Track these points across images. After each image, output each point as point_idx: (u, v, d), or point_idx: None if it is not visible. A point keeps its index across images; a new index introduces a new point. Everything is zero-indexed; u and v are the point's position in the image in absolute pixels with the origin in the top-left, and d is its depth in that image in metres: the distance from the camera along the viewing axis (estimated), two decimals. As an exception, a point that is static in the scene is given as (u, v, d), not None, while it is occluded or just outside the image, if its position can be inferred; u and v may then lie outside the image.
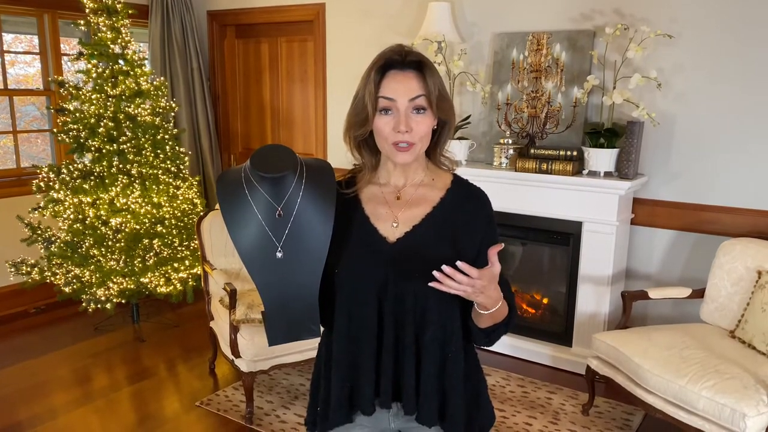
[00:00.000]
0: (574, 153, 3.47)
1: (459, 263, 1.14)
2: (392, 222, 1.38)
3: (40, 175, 3.72)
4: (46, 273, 3.74)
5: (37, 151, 5.24)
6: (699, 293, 3.09)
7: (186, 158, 4.05)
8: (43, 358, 3.74)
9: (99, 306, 3.68)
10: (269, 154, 1.28)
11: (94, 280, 3.66)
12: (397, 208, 1.39)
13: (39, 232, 3.77)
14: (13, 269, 3.72)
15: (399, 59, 1.29)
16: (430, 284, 1.17)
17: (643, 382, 2.67)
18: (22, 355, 3.76)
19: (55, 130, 3.76)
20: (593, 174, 3.43)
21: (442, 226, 1.35)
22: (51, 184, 3.70)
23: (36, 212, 3.70)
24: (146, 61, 3.95)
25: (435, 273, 1.15)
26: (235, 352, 2.98)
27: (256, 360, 2.96)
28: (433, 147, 1.40)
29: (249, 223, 1.24)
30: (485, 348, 1.40)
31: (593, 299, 3.48)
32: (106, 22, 3.65)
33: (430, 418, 1.36)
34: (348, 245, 1.37)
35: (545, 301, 3.85)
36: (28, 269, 3.72)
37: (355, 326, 1.36)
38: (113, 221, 3.61)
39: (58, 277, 3.75)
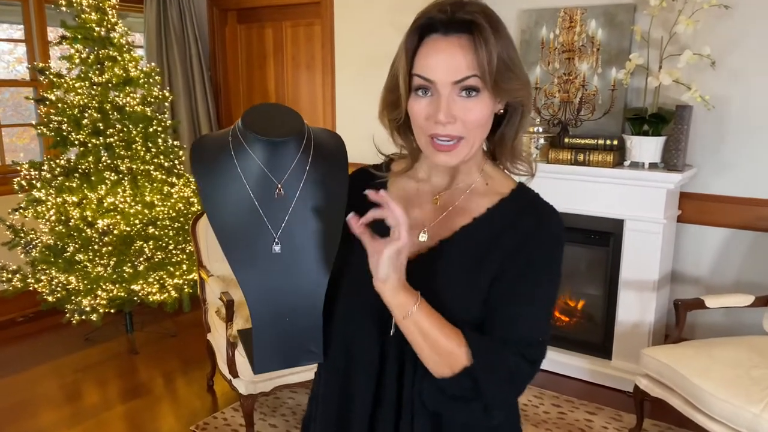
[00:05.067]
0: (614, 142, 3.07)
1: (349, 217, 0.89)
2: (420, 231, 1.01)
3: (22, 173, 3.38)
4: (29, 280, 3.40)
5: (27, 147, 4.92)
6: (763, 301, 2.69)
7: (181, 152, 3.69)
8: (29, 372, 3.42)
9: (84, 317, 3.33)
10: (269, 112, 0.95)
11: (81, 288, 3.32)
12: (430, 215, 1.03)
13: (21, 234, 3.44)
14: (-8, 276, 3.39)
15: (444, 18, 0.91)
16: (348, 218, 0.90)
17: (706, 407, 2.28)
18: (6, 369, 3.43)
19: (33, 122, 3.41)
20: (636, 165, 3.04)
21: (478, 246, 0.98)
22: (33, 182, 3.36)
23: (17, 213, 3.36)
24: (139, 49, 3.61)
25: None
26: (233, 371, 2.63)
27: (257, 381, 2.60)
28: (499, 142, 1.02)
29: (235, 198, 0.93)
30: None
31: (636, 306, 3.09)
32: (90, 2, 3.29)
33: None
34: (356, 250, 1.00)
35: (580, 307, 3.46)
36: (9, 276, 3.38)
37: (351, 364, 1.03)
38: (100, 223, 3.26)
39: (42, 284, 3.41)
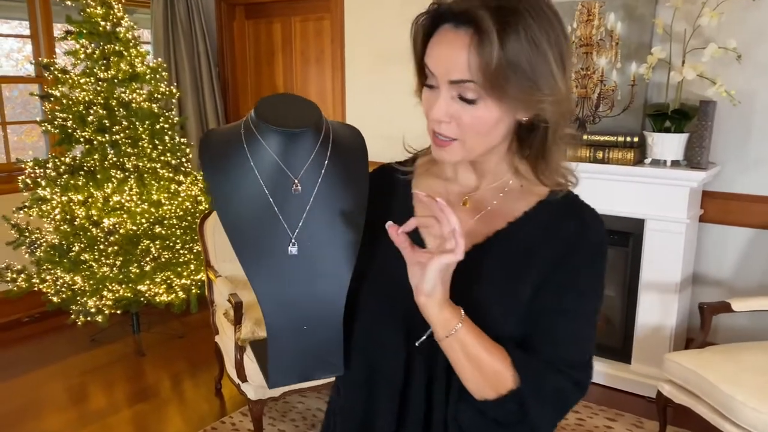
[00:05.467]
0: (635, 139, 2.97)
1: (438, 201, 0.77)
2: None
3: (26, 171, 3.31)
4: (34, 280, 3.33)
5: (35, 145, 4.86)
6: (792, 304, 2.59)
7: (188, 150, 3.61)
8: (34, 373, 3.35)
9: (89, 318, 3.26)
10: (284, 102, 0.87)
11: (87, 288, 3.25)
12: (461, 217, 0.93)
13: (26, 234, 3.37)
14: (-3, 276, 3.32)
15: (454, 8, 0.79)
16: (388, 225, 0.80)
17: (736, 417, 2.18)
18: (12, 371, 3.37)
19: (38, 119, 3.34)
20: (657, 163, 2.94)
21: (514, 253, 0.89)
22: (38, 180, 3.29)
23: (21, 212, 3.29)
24: (146, 45, 3.53)
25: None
26: (242, 376, 2.55)
27: (266, 386, 2.52)
28: (534, 156, 0.90)
29: (248, 194, 0.87)
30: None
31: (657, 309, 2.99)
32: (96, -5, 3.22)
33: None
34: (378, 255, 0.93)
35: (597, 309, 3.35)
36: (14, 276, 3.32)
37: (374, 377, 0.94)
38: (106, 222, 3.19)
39: (47, 284, 3.34)
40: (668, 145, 2.89)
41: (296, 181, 0.85)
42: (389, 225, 0.80)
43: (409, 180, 1.00)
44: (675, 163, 2.92)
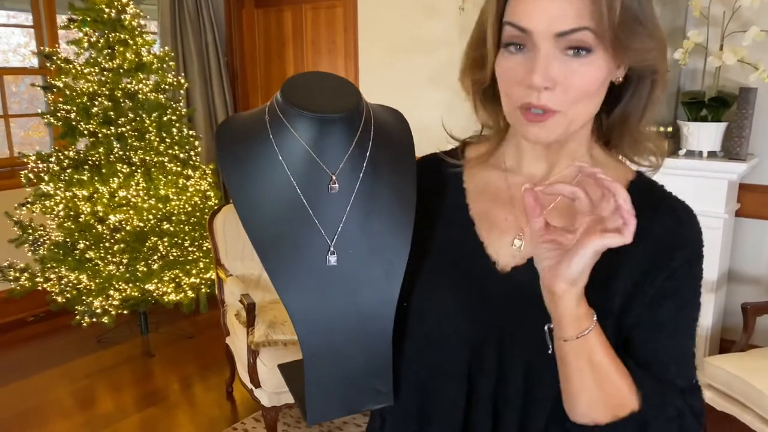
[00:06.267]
0: (668, 129, 2.80)
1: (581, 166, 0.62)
2: (514, 236, 0.79)
3: (29, 165, 3.18)
4: (37, 279, 3.21)
5: (42, 140, 4.74)
6: (841, 305, 2.42)
7: (197, 143, 3.47)
8: (39, 376, 3.23)
9: (95, 319, 3.13)
10: (315, 82, 0.74)
11: (93, 287, 3.12)
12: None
13: (30, 231, 3.24)
14: (-1, 275, 3.20)
15: None
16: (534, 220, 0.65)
17: (788, 427, 2.02)
18: (16, 373, 3.25)
19: (40, 110, 3.20)
20: (692, 154, 2.77)
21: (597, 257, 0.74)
22: (42, 175, 3.16)
23: (24, 208, 3.16)
24: (153, 36, 3.39)
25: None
26: (255, 381, 2.41)
27: (280, 392, 2.38)
28: (619, 122, 0.78)
29: (276, 194, 0.74)
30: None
31: (692, 309, 2.82)
32: (100, -19, 3.07)
33: None
34: (427, 265, 0.80)
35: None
36: (17, 274, 3.19)
37: (428, 407, 0.80)
38: (112, 218, 3.06)
39: (52, 283, 3.21)
40: (705, 134, 2.72)
41: (333, 177, 0.71)
42: (526, 187, 0.64)
43: (459, 173, 0.85)
44: (711, 154, 2.75)
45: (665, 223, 0.75)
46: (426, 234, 0.81)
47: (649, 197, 0.77)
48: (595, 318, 0.67)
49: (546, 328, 0.69)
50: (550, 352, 0.69)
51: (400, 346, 0.80)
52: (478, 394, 0.76)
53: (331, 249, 0.72)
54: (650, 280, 0.73)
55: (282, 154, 0.72)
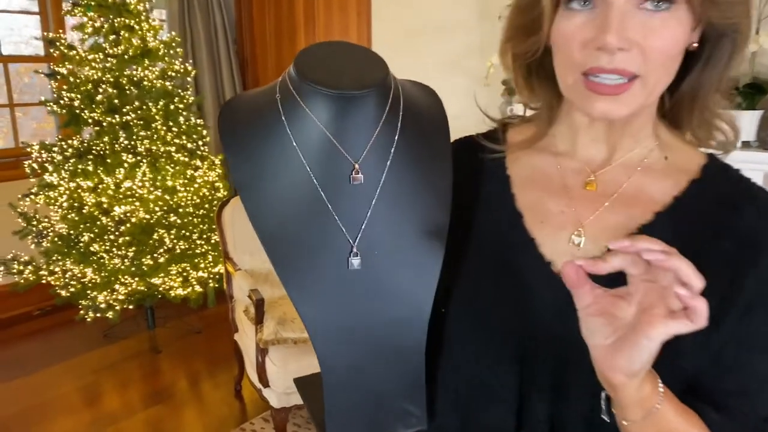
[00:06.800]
0: (701, 117, 2.65)
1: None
2: (571, 232, 0.67)
3: (33, 155, 3.08)
4: (42, 272, 3.12)
5: (53, 132, 4.66)
6: None
7: (205, 132, 3.35)
8: (43, 372, 3.15)
9: (99, 314, 3.04)
10: (334, 54, 0.64)
11: (98, 281, 3.03)
12: (583, 206, 0.68)
13: (34, 223, 3.15)
14: (2, 267, 3.11)
15: None
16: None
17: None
18: (21, 369, 3.17)
19: (42, 98, 3.10)
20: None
21: None
22: (45, 165, 3.07)
23: (28, 199, 3.07)
24: (162, 22, 3.28)
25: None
26: (263, 380, 2.31)
27: (290, 392, 2.27)
28: (689, 95, 0.66)
29: (288, 185, 0.63)
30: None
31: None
32: (104, -36, 2.96)
33: None
34: (467, 266, 0.70)
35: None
36: (21, 267, 3.10)
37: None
38: (117, 210, 2.95)
39: (57, 276, 3.12)
40: (739, 123, 2.56)
41: (356, 165, 0.60)
42: (566, 264, 0.52)
43: (500, 158, 0.73)
44: (746, 144, 2.60)
45: (744, 217, 0.63)
46: (464, 230, 0.69)
47: (724, 185, 0.66)
48: (661, 388, 0.55)
49: (603, 397, 0.57)
50: (607, 420, 0.57)
51: (435, 360, 0.69)
52: (532, 414, 0.64)
53: (354, 250, 0.62)
54: (735, 288, 0.61)
55: (296, 139, 0.61)
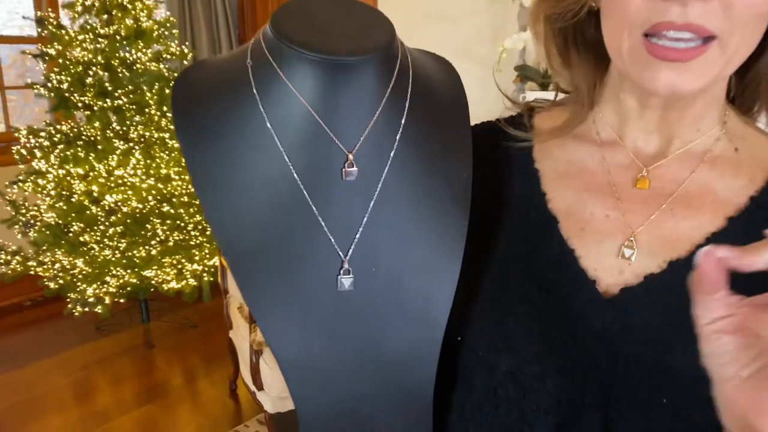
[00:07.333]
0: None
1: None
2: (621, 242, 0.53)
3: (21, 140, 2.95)
4: (30, 263, 2.99)
5: (40, 112, 4.53)
6: None
7: (202, 118, 3.21)
8: (33, 365, 3.04)
9: (87, 309, 2.91)
10: (322, 10, 0.48)
11: (89, 272, 2.90)
12: (635, 209, 0.54)
13: (23, 211, 3.02)
14: (-12, 258, 2.98)
15: None
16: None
17: None
18: (10, 363, 3.06)
19: (29, 80, 2.96)
20: None
21: (750, 275, 0.47)
22: (34, 151, 2.93)
23: (15, 186, 2.94)
24: (161, 3, 3.14)
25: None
26: (257, 382, 2.18)
27: (285, 396, 2.14)
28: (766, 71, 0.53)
29: (260, 180, 0.49)
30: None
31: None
32: (95, -62, 2.80)
33: None
34: (489, 284, 0.55)
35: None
36: (8, 257, 2.98)
37: None
38: (108, 198, 2.82)
39: (45, 267, 3.00)
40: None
41: (350, 156, 0.46)
42: (707, 251, 0.38)
43: (527, 149, 0.59)
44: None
45: None
46: (485, 239, 0.55)
47: None
48: None
49: None
50: None
51: (446, 400, 0.55)
52: None
53: (345, 266, 0.47)
54: None
55: (271, 120, 0.47)
